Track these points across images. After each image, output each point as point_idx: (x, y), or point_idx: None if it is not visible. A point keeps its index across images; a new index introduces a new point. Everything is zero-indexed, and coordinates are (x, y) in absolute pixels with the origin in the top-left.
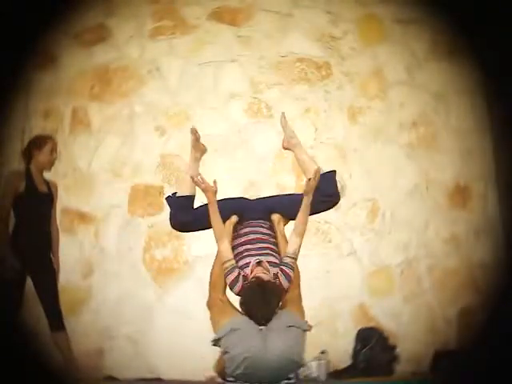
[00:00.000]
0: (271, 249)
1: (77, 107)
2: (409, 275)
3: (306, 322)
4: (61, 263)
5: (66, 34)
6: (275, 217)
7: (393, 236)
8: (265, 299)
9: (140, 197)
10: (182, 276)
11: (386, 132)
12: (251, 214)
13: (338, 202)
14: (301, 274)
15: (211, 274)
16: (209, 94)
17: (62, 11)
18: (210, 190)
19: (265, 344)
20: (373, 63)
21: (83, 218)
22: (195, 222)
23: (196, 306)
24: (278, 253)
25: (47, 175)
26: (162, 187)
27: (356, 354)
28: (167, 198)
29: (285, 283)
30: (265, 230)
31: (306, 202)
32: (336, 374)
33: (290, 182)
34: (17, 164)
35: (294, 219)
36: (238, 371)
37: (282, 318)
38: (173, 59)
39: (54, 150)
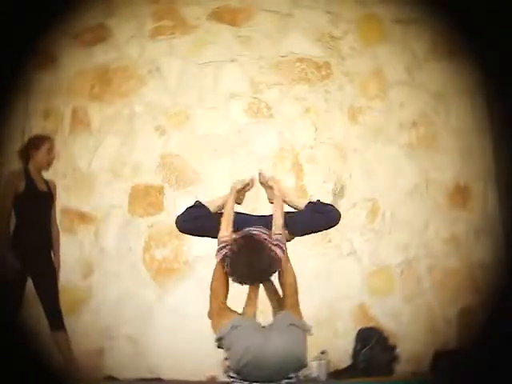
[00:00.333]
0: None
1: (77, 107)
2: (409, 275)
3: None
4: (61, 263)
5: (66, 34)
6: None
7: (393, 236)
8: (251, 257)
9: (140, 197)
10: (181, 276)
11: (386, 132)
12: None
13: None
14: (301, 274)
15: (212, 282)
16: (209, 93)
17: (62, 11)
18: None
19: (266, 341)
20: (373, 63)
21: (83, 218)
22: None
23: (196, 306)
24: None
25: (46, 175)
26: (162, 187)
27: (356, 354)
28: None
29: (280, 253)
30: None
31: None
32: (336, 374)
33: (290, 182)
34: (17, 164)
35: (294, 235)
36: (240, 367)
37: (282, 318)
38: (173, 59)
39: (51, 149)
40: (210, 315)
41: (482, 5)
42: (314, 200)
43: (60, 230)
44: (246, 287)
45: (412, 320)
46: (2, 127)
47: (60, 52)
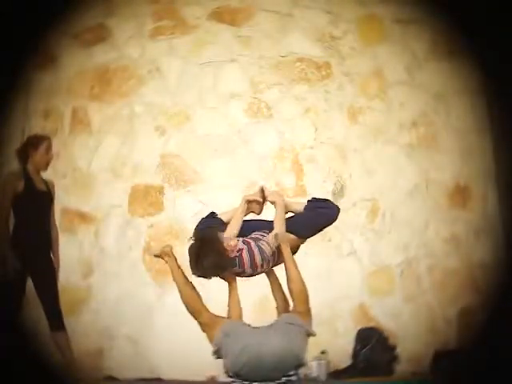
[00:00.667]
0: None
1: (77, 107)
2: (409, 275)
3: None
4: (61, 263)
5: (66, 33)
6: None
7: (393, 236)
8: (197, 253)
9: (140, 197)
10: None
11: (386, 132)
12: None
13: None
14: (301, 274)
15: (184, 301)
16: (209, 94)
17: (62, 11)
18: None
19: (262, 341)
20: (373, 63)
21: (83, 217)
22: None
23: None
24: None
25: (46, 175)
26: (162, 187)
27: (356, 354)
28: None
29: (246, 257)
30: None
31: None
32: (336, 374)
33: (290, 182)
34: (17, 164)
35: (303, 237)
36: (238, 369)
37: (283, 318)
38: (173, 59)
39: (49, 149)
40: (202, 329)
41: (481, 5)
42: (310, 199)
43: (60, 230)
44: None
45: (412, 320)
46: (2, 127)
47: (60, 52)
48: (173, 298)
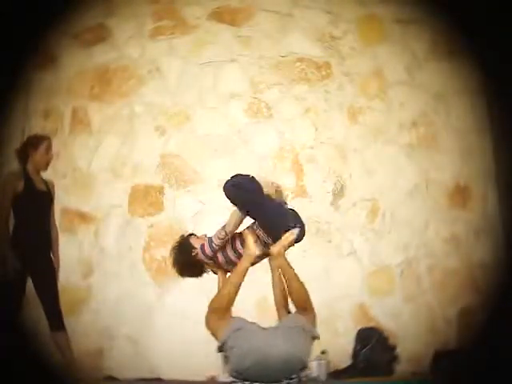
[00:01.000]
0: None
1: (77, 107)
2: (409, 275)
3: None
4: (61, 263)
5: (66, 33)
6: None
7: (393, 236)
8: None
9: (140, 197)
10: None
11: (386, 132)
12: None
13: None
14: (301, 274)
15: (220, 297)
16: (209, 94)
17: (62, 11)
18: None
19: (270, 343)
20: (373, 63)
21: (83, 217)
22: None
23: (196, 306)
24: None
25: (46, 175)
26: (162, 187)
27: (356, 354)
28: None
29: (207, 248)
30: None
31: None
32: (336, 374)
33: (290, 182)
34: (17, 164)
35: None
36: (243, 368)
37: (289, 319)
38: (173, 59)
39: (49, 149)
40: (209, 327)
41: (482, 5)
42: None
43: (60, 229)
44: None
45: (412, 320)
46: (2, 127)
47: (60, 52)
48: (173, 297)
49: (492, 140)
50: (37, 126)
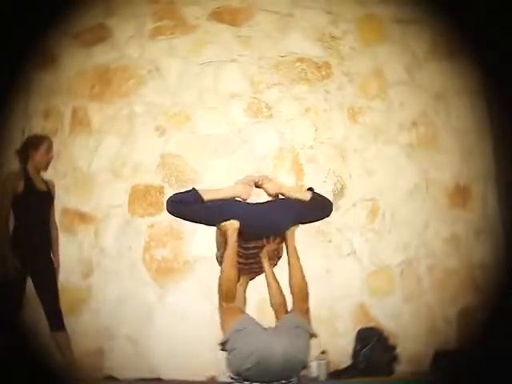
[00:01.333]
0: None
1: (77, 107)
2: (409, 275)
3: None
4: (61, 263)
5: (66, 33)
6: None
7: (393, 236)
8: None
9: (140, 197)
10: (181, 276)
11: (386, 132)
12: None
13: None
14: (303, 271)
15: (223, 281)
16: (209, 93)
17: (62, 11)
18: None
19: (270, 344)
20: (373, 63)
21: (83, 218)
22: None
23: (196, 306)
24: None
25: (46, 175)
26: (162, 187)
27: (356, 354)
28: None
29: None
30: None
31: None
32: (336, 374)
33: (290, 182)
34: (17, 164)
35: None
36: (245, 367)
37: (289, 319)
38: (173, 59)
39: (50, 149)
40: (221, 317)
41: (481, 5)
42: (314, 191)
43: (60, 229)
44: None
45: (412, 320)
46: (2, 127)
47: (60, 52)
48: (173, 297)
49: (492, 140)
50: (37, 126)
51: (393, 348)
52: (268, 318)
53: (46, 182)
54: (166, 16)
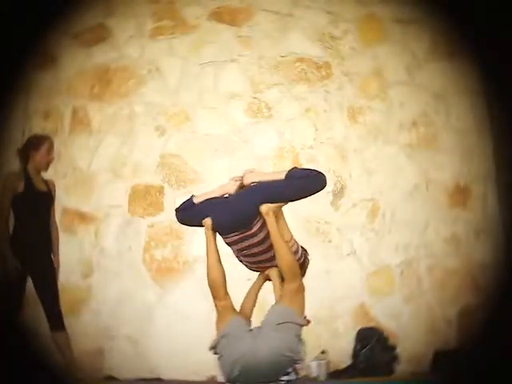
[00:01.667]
0: None
1: (77, 107)
2: (409, 275)
3: (305, 316)
4: (61, 263)
5: (66, 33)
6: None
7: (393, 236)
8: None
9: (140, 197)
10: (182, 276)
11: (386, 132)
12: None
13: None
14: (288, 248)
15: (209, 281)
16: (209, 93)
17: (62, 11)
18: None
19: (254, 344)
20: (373, 63)
21: (83, 218)
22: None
23: (196, 306)
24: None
25: (46, 175)
26: (162, 187)
27: (356, 353)
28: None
29: None
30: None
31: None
32: (336, 374)
33: None
34: (17, 165)
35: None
36: (234, 375)
37: (273, 316)
38: (173, 59)
39: (50, 150)
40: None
41: (481, 5)
42: (295, 168)
43: (60, 229)
44: None
45: (412, 320)
46: (2, 127)
47: (60, 52)
48: (173, 297)
49: (492, 140)
50: (37, 126)
51: (393, 348)
52: None
53: (46, 182)
54: (165, 16)
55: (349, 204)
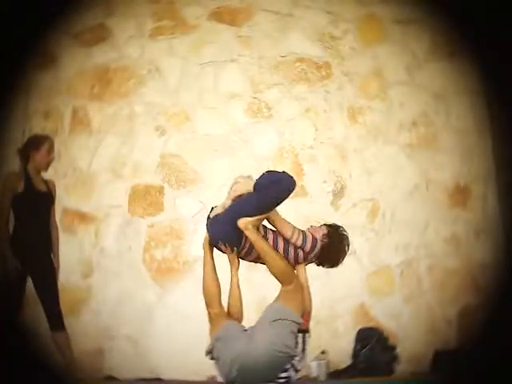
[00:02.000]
0: None
1: (77, 107)
2: (409, 275)
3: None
4: (61, 263)
5: (66, 33)
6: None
7: (393, 236)
8: None
9: (140, 197)
10: (181, 276)
11: (386, 132)
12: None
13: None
14: (276, 254)
15: (204, 290)
16: (209, 93)
17: (62, 11)
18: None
19: (250, 342)
20: (373, 63)
21: (83, 218)
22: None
23: (196, 306)
24: None
25: (46, 175)
26: (162, 187)
27: (356, 353)
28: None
29: None
30: None
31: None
32: (336, 374)
33: None
34: (17, 164)
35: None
36: (232, 375)
37: (268, 314)
38: (173, 59)
39: (51, 150)
40: (209, 322)
41: (481, 5)
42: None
43: (60, 229)
44: None
45: (412, 320)
46: (2, 127)
47: (60, 52)
48: (173, 297)
49: (492, 140)
50: (37, 126)
51: (393, 348)
52: None
53: (46, 182)
54: (165, 16)
55: (349, 204)
